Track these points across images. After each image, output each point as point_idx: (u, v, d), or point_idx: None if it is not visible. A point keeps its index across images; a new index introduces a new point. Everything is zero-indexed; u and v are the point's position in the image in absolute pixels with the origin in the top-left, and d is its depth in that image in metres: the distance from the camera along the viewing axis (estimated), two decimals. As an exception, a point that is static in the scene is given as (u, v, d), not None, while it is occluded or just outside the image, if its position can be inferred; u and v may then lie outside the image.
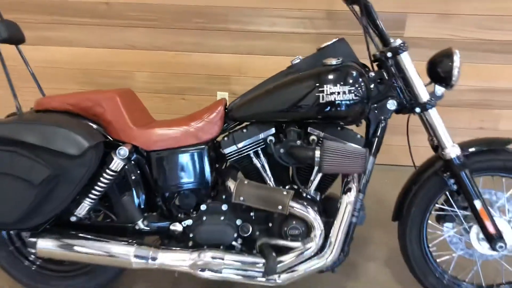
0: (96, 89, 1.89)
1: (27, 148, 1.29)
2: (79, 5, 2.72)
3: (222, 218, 1.48)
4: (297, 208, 1.39)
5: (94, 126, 1.48)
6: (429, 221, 1.59)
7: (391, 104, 1.44)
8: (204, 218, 1.49)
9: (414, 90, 1.42)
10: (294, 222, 1.41)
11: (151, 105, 1.70)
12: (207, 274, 1.43)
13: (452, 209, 1.54)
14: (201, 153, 1.48)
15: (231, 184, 1.45)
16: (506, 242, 1.45)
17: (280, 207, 1.37)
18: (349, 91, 1.34)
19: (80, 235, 1.47)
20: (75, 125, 1.37)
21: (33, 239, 1.44)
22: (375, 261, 1.91)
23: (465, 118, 2.81)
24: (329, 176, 1.50)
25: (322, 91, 1.34)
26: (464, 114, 2.81)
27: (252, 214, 1.49)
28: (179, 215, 1.53)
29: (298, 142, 1.42)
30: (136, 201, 1.50)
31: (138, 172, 1.50)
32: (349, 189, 1.43)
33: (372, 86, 1.41)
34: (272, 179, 1.49)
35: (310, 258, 1.41)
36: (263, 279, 1.42)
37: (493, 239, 1.45)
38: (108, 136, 1.48)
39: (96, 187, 1.43)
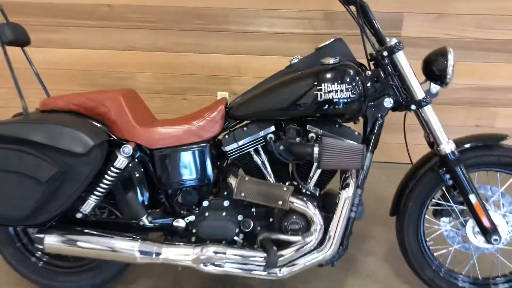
0: (98, 90, 1.92)
1: (34, 146, 1.33)
2: (81, 8, 2.75)
3: (224, 214, 1.52)
4: (297, 203, 1.43)
5: (99, 125, 1.51)
6: (426, 216, 1.62)
7: (388, 102, 1.48)
8: (207, 214, 1.52)
9: (409, 88, 1.46)
10: (294, 217, 1.45)
11: (152, 105, 1.74)
12: (209, 268, 1.46)
13: (448, 204, 1.57)
14: (203, 151, 1.52)
15: (232, 181, 1.49)
16: (501, 235, 1.49)
17: (280, 202, 1.41)
18: (347, 89, 1.37)
19: (86, 231, 1.50)
20: (81, 124, 1.40)
21: (41, 235, 1.47)
22: (373, 256, 1.94)
23: (462, 116, 2.85)
24: (328, 172, 1.53)
25: (320, 90, 1.38)
26: (461, 112, 2.84)
27: (253, 209, 1.53)
28: (182, 211, 1.57)
29: (297, 139, 1.46)
30: (140, 198, 1.53)
31: (142, 170, 1.53)
32: (348, 185, 1.46)
33: (369, 84, 1.45)
34: (272, 175, 1.53)
35: (310, 252, 1.44)
36: (264, 273, 1.46)
37: (488, 232, 1.48)
38: (112, 135, 1.51)
39: (101, 185, 1.47)
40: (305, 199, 1.45)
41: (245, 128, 1.50)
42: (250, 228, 1.52)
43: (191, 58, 2.82)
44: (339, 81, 1.37)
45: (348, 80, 1.37)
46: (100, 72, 2.87)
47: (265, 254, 1.44)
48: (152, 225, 1.53)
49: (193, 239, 1.54)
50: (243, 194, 1.44)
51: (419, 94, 1.45)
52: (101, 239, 1.48)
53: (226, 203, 1.53)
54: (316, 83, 1.38)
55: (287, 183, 1.52)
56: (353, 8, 1.48)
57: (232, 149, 1.51)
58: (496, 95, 2.80)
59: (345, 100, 1.38)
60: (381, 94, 1.48)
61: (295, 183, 1.52)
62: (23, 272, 1.65)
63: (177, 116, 1.66)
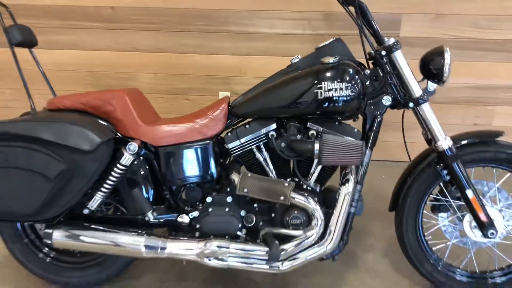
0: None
1: (43, 144, 1.36)
2: (85, 10, 2.79)
3: (227, 209, 1.55)
4: (298, 198, 1.46)
5: (105, 123, 1.54)
6: (425, 211, 1.65)
7: (386, 100, 1.51)
8: (210, 209, 1.56)
9: (407, 86, 1.49)
10: (295, 212, 1.49)
11: (155, 105, 1.77)
12: (213, 263, 1.50)
13: (446, 199, 1.60)
14: (206, 148, 1.55)
15: (235, 177, 1.53)
16: (497, 230, 1.52)
17: (282, 197, 1.45)
18: (346, 88, 1.41)
19: (93, 226, 1.54)
20: (88, 123, 1.44)
21: (49, 231, 1.51)
22: (373, 251, 1.98)
23: (460, 114, 2.89)
24: (328, 169, 1.57)
25: (321, 88, 1.41)
26: (459, 111, 2.88)
27: (255, 205, 1.56)
28: (186, 207, 1.60)
29: (298, 136, 1.49)
30: (145, 195, 1.57)
31: (147, 167, 1.57)
32: (347, 180, 1.50)
33: (367, 83, 1.48)
34: (274, 172, 1.56)
35: (311, 246, 1.48)
36: (267, 267, 1.49)
37: (485, 226, 1.51)
38: (118, 133, 1.55)
39: (108, 181, 1.50)
40: (306, 194, 1.48)
41: (247, 126, 1.54)
42: (253, 223, 1.55)
43: (193, 58, 2.86)
44: (339, 80, 1.40)
45: (347, 78, 1.41)
46: (104, 72, 2.91)
47: (267, 248, 1.47)
48: (157, 221, 1.57)
49: (197, 234, 1.57)
50: (245, 190, 1.48)
51: (417, 92, 1.49)
52: (108, 234, 1.52)
53: (229, 199, 1.57)
54: (316, 81, 1.41)
55: (288, 180, 1.56)
56: (352, 9, 1.51)
57: (234, 147, 1.55)
58: (493, 94, 2.83)
59: (345, 98, 1.41)
60: (380, 92, 1.51)
61: (296, 179, 1.55)
62: (32, 269, 1.68)
63: (180, 115, 1.70)
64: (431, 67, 1.48)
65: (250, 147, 1.55)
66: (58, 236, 1.51)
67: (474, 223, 1.55)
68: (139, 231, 1.53)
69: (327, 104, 1.42)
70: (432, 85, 1.52)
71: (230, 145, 1.55)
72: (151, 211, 1.54)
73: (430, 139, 1.55)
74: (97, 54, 2.88)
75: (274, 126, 1.52)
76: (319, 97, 1.41)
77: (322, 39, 1.57)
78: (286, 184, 1.47)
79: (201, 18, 2.78)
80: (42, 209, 1.39)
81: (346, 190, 1.49)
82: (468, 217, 1.57)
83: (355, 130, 1.52)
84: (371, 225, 2.19)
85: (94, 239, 1.51)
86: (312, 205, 1.47)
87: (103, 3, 2.77)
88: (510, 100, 2.84)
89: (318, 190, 1.57)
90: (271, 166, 1.56)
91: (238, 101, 1.57)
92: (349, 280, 1.78)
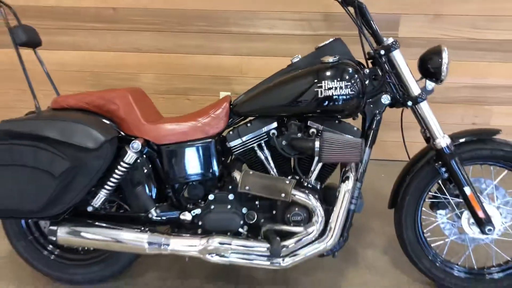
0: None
1: (48, 142, 1.39)
2: (87, 11, 2.81)
3: (229, 207, 1.58)
4: (299, 195, 1.49)
5: (108, 122, 1.57)
6: (423, 208, 1.67)
7: (385, 99, 1.54)
8: (212, 207, 1.58)
9: (406, 85, 1.52)
10: (296, 208, 1.51)
11: (157, 105, 1.79)
12: (215, 259, 1.52)
13: (444, 196, 1.62)
14: (208, 146, 1.58)
15: (237, 175, 1.55)
16: (495, 226, 1.54)
17: (283, 194, 1.47)
18: (346, 87, 1.43)
19: (97, 223, 1.56)
20: (92, 121, 1.46)
21: (54, 227, 1.53)
22: (373, 249, 2.00)
23: (459, 114, 2.91)
24: (328, 166, 1.59)
25: (321, 87, 1.44)
26: (458, 111, 2.90)
27: (257, 202, 1.59)
28: (188, 205, 1.62)
29: (299, 134, 1.51)
30: (148, 192, 1.59)
31: (150, 165, 1.59)
32: (347, 178, 1.52)
33: (367, 82, 1.51)
34: (275, 170, 1.58)
35: (311, 242, 1.50)
36: (268, 263, 1.51)
37: (483, 223, 1.53)
38: (121, 132, 1.57)
39: (111, 179, 1.52)
40: (306, 191, 1.50)
41: (248, 125, 1.56)
42: (254, 220, 1.57)
43: (194, 59, 2.88)
44: (339, 79, 1.43)
45: (347, 77, 1.43)
46: (106, 73, 2.93)
47: (268, 245, 1.49)
48: (160, 218, 1.59)
49: (199, 231, 1.59)
50: (247, 188, 1.50)
51: (415, 90, 1.51)
52: (111, 231, 1.54)
53: (231, 196, 1.59)
54: (316, 80, 1.44)
55: (289, 177, 1.57)
56: (351, 9, 1.54)
57: (236, 145, 1.57)
58: (491, 93, 2.86)
59: (345, 97, 1.44)
60: (379, 91, 1.53)
61: (297, 177, 1.58)
62: (37, 266, 1.70)
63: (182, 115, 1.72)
64: (429, 66, 1.51)
65: (251, 145, 1.57)
66: (63, 233, 1.53)
67: (472, 220, 1.57)
68: (142, 228, 1.55)
69: (327, 102, 1.44)
70: (430, 84, 1.55)
71: (232, 144, 1.57)
72: (154, 208, 1.57)
73: (429, 138, 1.57)
74: (98, 55, 2.90)
75: (275, 124, 1.55)
76: (319, 95, 1.44)
77: (322, 39, 1.58)
78: (287, 182, 1.49)
79: (201, 19, 2.80)
80: (47, 206, 1.42)
81: (346, 188, 1.51)
82: (466, 214, 1.59)
83: (355, 128, 1.55)
84: (370, 222, 2.21)
85: (98, 236, 1.54)
86: (313, 202, 1.49)
87: (104, 4, 2.79)
88: (508, 99, 2.86)
89: (318, 187, 1.59)
90: (272, 164, 1.58)
91: (239, 100, 1.59)
92: (349, 277, 1.80)
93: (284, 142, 1.52)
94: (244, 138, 1.56)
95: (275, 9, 2.76)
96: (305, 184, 1.56)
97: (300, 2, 2.74)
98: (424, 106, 1.53)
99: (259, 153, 1.58)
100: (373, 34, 1.55)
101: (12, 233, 1.68)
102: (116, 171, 1.52)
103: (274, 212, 1.57)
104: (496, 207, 1.58)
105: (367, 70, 1.53)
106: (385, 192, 1.76)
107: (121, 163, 1.51)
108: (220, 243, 1.51)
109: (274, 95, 1.50)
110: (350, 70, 1.44)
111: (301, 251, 1.51)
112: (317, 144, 1.44)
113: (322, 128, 1.53)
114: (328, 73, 1.43)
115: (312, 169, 1.57)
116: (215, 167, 1.59)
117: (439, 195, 1.65)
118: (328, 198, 1.58)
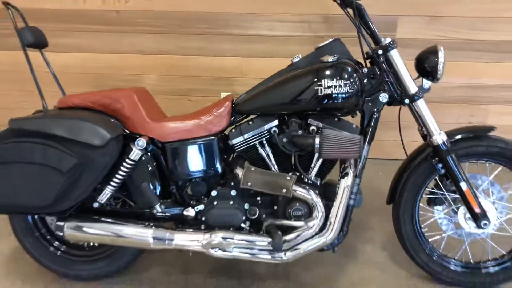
0: (111, 89, 2.02)
1: (56, 140, 1.43)
2: (91, 14, 2.85)
3: (231, 202, 1.62)
4: (299, 191, 1.53)
5: (113, 120, 1.61)
6: (421, 204, 1.71)
7: (383, 97, 1.58)
8: (215, 203, 1.62)
9: (403, 84, 1.56)
10: (297, 204, 1.55)
11: (159, 106, 1.85)
12: (218, 253, 1.56)
13: (441, 192, 1.66)
14: (211, 144, 1.62)
15: (239, 171, 1.59)
16: (490, 221, 1.59)
17: (284, 190, 1.51)
18: (345, 85, 1.47)
19: (103, 219, 1.60)
20: (98, 119, 1.50)
21: (61, 223, 1.57)
22: (372, 244, 2.04)
23: (455, 113, 2.95)
24: (328, 163, 1.63)
25: (320, 85, 1.48)
26: (454, 110, 2.94)
27: (258, 198, 1.63)
28: (192, 201, 1.66)
29: (300, 132, 1.55)
30: (152, 189, 1.62)
31: (154, 162, 1.63)
32: (347, 174, 1.56)
33: (365, 80, 1.55)
34: (276, 166, 1.62)
35: (312, 236, 1.54)
36: (270, 257, 1.55)
37: (478, 217, 1.57)
38: (126, 130, 1.62)
39: (117, 175, 1.56)
40: (307, 187, 1.55)
41: (250, 123, 1.60)
42: (256, 215, 1.61)
43: (195, 60, 2.92)
44: (338, 78, 1.47)
45: (346, 76, 1.47)
46: (110, 74, 2.97)
47: (270, 239, 1.53)
48: (164, 214, 1.63)
49: (202, 227, 1.63)
50: (249, 184, 1.54)
51: (412, 89, 1.56)
52: (117, 226, 1.58)
53: (233, 192, 1.63)
54: (316, 79, 1.48)
55: (290, 174, 1.61)
56: (350, 10, 1.57)
57: (238, 142, 1.61)
58: (487, 93, 2.89)
59: (344, 95, 1.48)
60: (377, 90, 1.57)
61: (298, 173, 1.61)
62: (44, 262, 1.74)
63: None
64: (426, 65, 1.55)
65: (253, 143, 1.61)
66: (70, 229, 1.57)
67: (468, 215, 1.61)
68: (147, 223, 1.59)
69: (326, 100, 1.48)
70: (427, 83, 1.59)
71: (234, 141, 1.61)
72: (158, 204, 1.60)
73: (426, 135, 1.61)
74: (102, 57, 2.94)
75: (276, 122, 1.59)
76: (319, 94, 1.48)
77: (321, 41, 1.62)
78: (288, 178, 1.53)
79: (203, 21, 2.84)
80: (55, 202, 1.45)
81: (346, 183, 1.56)
82: (462, 209, 1.63)
83: (354, 126, 1.59)
84: (369, 219, 2.25)
85: (104, 231, 1.58)
86: (313, 197, 1.53)
87: (108, 7, 2.84)
88: (503, 99, 2.91)
89: (318, 183, 1.63)
90: (273, 161, 1.62)
91: (241, 99, 1.63)
92: (348, 272, 1.84)
93: (285, 139, 1.57)
94: (246, 136, 1.60)
95: (275, 11, 2.80)
96: (306, 180, 1.60)
97: (300, 4, 2.78)
98: (421, 104, 1.57)
99: (261, 150, 1.62)
100: (371, 35, 1.59)
101: (19, 229, 1.72)
102: (122, 168, 1.56)
103: (275, 207, 1.61)
104: (492, 202, 1.63)
105: (365, 69, 1.57)
106: (384, 190, 1.80)
107: (127, 160, 1.55)
108: (223, 238, 1.55)
109: (275, 94, 1.54)
110: (349, 69, 1.48)
111: (302, 245, 1.55)
112: (317, 141, 1.48)
113: (322, 125, 1.56)
114: (327, 72, 1.48)
115: (312, 165, 1.61)
116: (218, 164, 1.63)
117: (436, 191, 1.69)
118: (328, 194, 1.62)
